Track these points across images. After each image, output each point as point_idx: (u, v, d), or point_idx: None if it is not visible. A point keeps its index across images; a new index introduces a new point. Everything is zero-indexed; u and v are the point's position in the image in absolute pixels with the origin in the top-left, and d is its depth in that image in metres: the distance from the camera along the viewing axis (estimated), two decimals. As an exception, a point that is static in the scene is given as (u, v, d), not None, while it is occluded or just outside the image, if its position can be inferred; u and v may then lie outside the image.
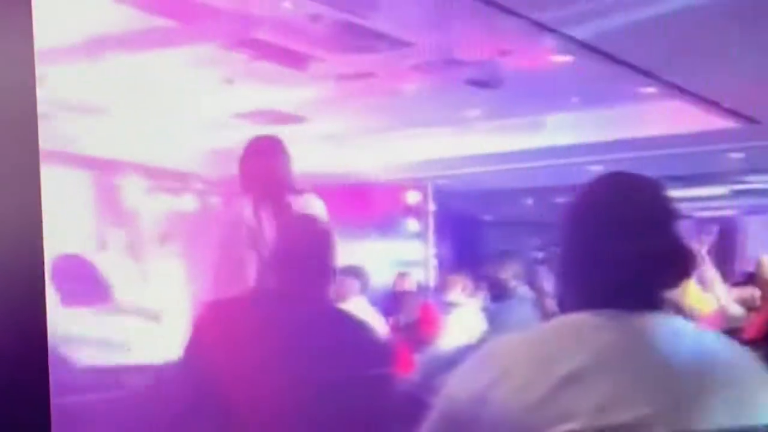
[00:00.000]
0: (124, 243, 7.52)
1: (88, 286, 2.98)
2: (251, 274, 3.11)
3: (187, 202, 7.48)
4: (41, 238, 0.60)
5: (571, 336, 1.21)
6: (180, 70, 6.03)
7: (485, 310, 4.58)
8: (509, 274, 4.97)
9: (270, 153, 3.32)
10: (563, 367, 1.14)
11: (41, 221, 0.60)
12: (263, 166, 3.26)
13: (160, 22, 4.93)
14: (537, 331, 1.43)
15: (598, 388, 1.12)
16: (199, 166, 7.75)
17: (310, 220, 2.57)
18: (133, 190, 7.81)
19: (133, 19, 4.92)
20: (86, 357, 2.51)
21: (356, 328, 2.24)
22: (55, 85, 6.38)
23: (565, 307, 1.31)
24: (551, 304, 5.20)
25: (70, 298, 2.84)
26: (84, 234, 8.64)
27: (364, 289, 4.90)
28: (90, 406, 1.86)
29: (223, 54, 5.39)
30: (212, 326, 2.04)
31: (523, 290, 4.96)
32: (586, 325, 1.23)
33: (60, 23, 5.08)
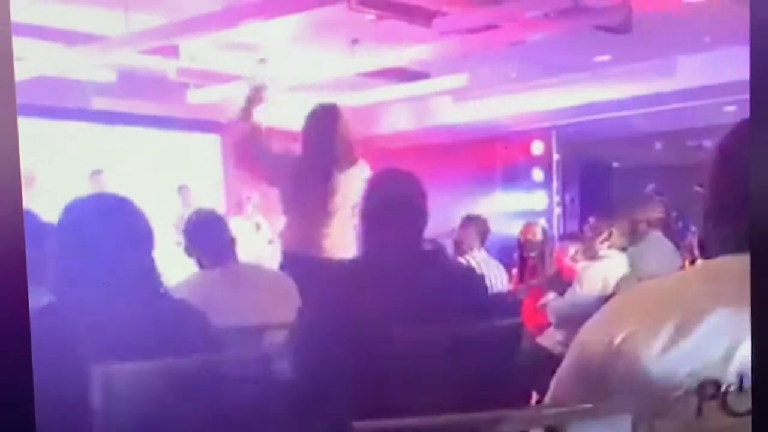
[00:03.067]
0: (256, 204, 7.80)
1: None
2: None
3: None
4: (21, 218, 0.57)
5: (719, 280, 1.13)
6: (307, 33, 6.16)
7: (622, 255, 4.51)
8: (639, 218, 4.92)
9: (329, 121, 3.42)
10: (710, 313, 1.08)
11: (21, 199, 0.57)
12: (324, 132, 3.38)
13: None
14: (677, 278, 1.38)
15: (746, 335, 1.04)
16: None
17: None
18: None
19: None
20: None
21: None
22: (190, 56, 6.62)
23: (709, 250, 1.22)
24: (685, 248, 5.10)
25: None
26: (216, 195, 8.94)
27: (484, 239, 4.88)
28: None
29: (351, 15, 5.46)
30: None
31: (654, 234, 4.91)
32: (734, 267, 1.10)
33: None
